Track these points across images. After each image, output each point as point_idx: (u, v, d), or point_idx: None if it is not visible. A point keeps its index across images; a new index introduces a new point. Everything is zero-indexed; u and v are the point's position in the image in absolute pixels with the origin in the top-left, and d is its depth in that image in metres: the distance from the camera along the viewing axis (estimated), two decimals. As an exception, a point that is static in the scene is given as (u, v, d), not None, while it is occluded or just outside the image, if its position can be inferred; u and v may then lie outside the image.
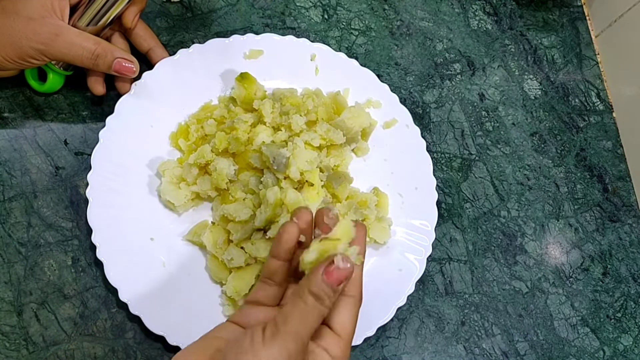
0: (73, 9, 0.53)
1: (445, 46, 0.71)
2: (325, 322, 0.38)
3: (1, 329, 0.50)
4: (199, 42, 0.60)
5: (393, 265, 0.56)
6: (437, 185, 0.60)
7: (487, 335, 0.58)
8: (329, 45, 0.63)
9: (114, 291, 0.50)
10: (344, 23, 0.69)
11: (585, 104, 0.72)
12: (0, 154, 0.55)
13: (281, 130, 0.56)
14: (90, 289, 0.52)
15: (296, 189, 0.53)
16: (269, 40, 0.62)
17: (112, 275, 0.50)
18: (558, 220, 0.65)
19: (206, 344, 0.36)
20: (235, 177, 0.55)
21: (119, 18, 0.55)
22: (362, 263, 0.40)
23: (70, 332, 0.51)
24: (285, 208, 0.51)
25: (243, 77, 0.58)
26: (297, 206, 0.49)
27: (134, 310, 0.50)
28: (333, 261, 0.35)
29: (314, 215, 0.41)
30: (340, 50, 0.65)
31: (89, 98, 0.59)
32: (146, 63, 0.59)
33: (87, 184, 0.52)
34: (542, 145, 0.68)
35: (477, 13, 0.73)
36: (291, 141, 0.54)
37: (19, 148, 0.56)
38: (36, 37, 0.49)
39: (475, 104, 0.69)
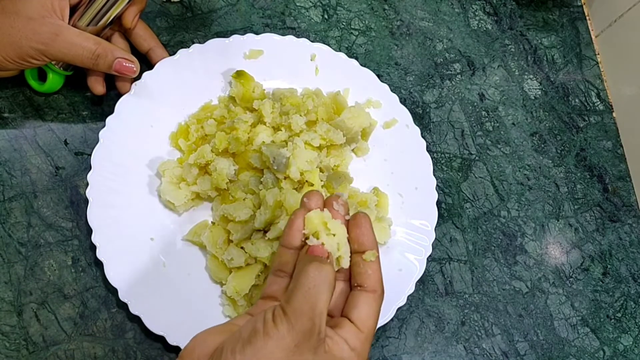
0: (73, 9, 0.53)
1: (445, 46, 0.71)
2: (346, 316, 0.38)
3: (1, 329, 0.50)
4: (199, 42, 0.60)
5: (393, 265, 0.56)
6: (437, 185, 0.60)
7: (487, 335, 0.58)
8: (329, 45, 0.63)
9: (114, 291, 0.50)
10: (344, 23, 0.69)
11: (585, 104, 0.72)
12: (0, 154, 0.55)
13: (281, 130, 0.56)
14: (90, 289, 0.52)
15: (296, 189, 0.53)
16: (269, 40, 0.62)
17: (112, 275, 0.50)
18: (558, 220, 0.65)
19: (224, 327, 0.37)
20: (235, 177, 0.55)
21: (119, 18, 0.55)
22: (377, 257, 0.39)
23: (70, 332, 0.51)
24: (284, 210, 0.51)
25: (239, 74, 0.59)
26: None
27: (134, 310, 0.50)
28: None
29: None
30: (340, 50, 0.65)
31: (89, 98, 0.59)
32: (146, 63, 0.59)
33: (87, 184, 0.52)
34: (542, 145, 0.68)
35: (477, 13, 0.73)
36: (291, 141, 0.54)
37: (19, 148, 0.56)
38: (36, 37, 0.49)
39: (475, 104, 0.69)
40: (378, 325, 0.53)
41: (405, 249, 0.57)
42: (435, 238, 0.58)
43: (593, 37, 0.75)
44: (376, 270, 0.39)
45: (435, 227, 0.58)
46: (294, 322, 0.33)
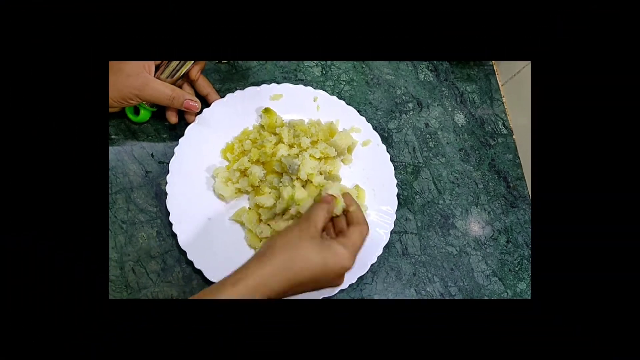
0: (157, 68, 0.54)
1: (402, 91, 0.71)
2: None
3: (110, 278, 0.50)
4: (240, 89, 0.61)
5: (368, 237, 0.56)
6: (397, 183, 0.61)
7: (430, 282, 0.59)
8: (325, 91, 0.64)
9: (184, 253, 0.51)
10: (335, 76, 0.69)
11: (495, 129, 0.72)
12: (109, 163, 0.56)
13: (294, 147, 0.57)
14: (168, 251, 0.53)
15: (304, 186, 0.54)
16: (286, 87, 0.62)
17: (183, 242, 0.51)
18: (477, 207, 0.65)
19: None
20: (264, 178, 0.55)
21: (187, 73, 0.56)
22: (354, 208, 0.47)
23: (155, 280, 0.51)
24: (295, 201, 0.51)
25: (267, 110, 0.59)
26: (304, 201, 0.50)
27: (197, 265, 0.50)
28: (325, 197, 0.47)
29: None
30: (333, 94, 0.66)
31: (167, 126, 0.59)
32: (205, 103, 0.59)
33: (166, 183, 0.53)
34: (466, 157, 0.69)
35: (423, 70, 0.74)
36: (301, 154, 0.55)
37: (121, 159, 0.56)
38: (133, 86, 0.50)
39: (422, 129, 0.69)
40: (358, 275, 0.53)
41: (376, 225, 0.58)
42: (396, 218, 0.59)
43: (500, 85, 0.76)
44: (353, 214, 0.46)
45: (396, 211, 0.59)
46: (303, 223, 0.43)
